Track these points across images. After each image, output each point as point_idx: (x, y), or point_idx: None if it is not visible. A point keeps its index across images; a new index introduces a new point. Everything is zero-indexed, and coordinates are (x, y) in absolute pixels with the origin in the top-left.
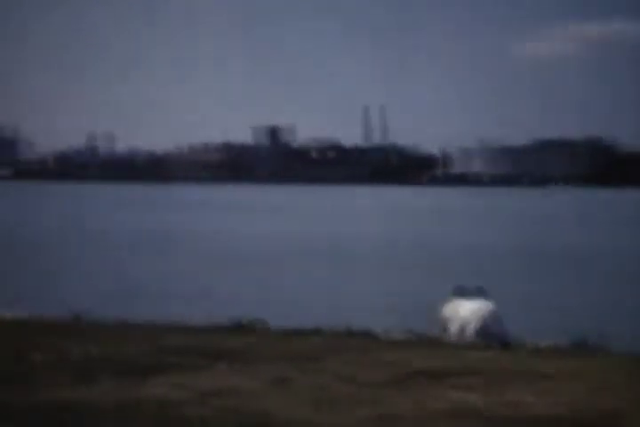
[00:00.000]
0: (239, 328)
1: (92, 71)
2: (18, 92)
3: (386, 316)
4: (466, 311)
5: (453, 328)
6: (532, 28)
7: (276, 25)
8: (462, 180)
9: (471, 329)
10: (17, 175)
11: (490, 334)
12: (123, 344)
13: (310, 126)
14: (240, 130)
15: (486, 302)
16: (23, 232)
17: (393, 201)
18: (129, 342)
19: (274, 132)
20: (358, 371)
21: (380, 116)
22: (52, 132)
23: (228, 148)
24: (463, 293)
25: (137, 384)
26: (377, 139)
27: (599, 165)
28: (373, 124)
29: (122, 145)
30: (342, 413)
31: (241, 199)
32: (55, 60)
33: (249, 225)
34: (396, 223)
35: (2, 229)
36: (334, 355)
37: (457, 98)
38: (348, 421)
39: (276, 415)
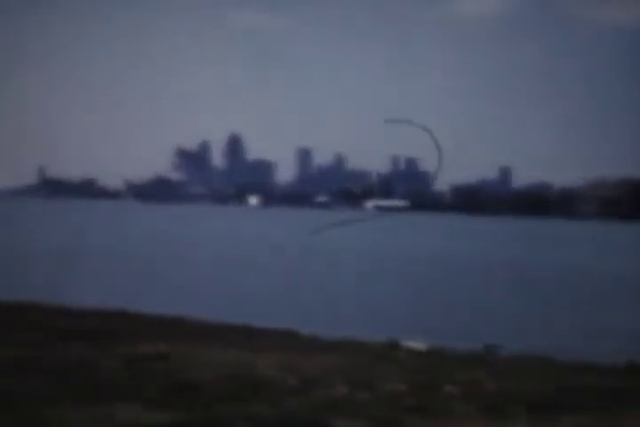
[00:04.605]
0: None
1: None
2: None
3: None
4: None
5: None
6: None
7: None
8: None
9: None
10: (413, 207)
11: None
12: (528, 379)
13: None
14: None
15: None
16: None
17: None
18: (533, 377)
19: None
20: None
21: None
22: (451, 165)
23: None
24: None
25: (548, 422)
26: None
27: None
28: None
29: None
30: None
31: None
32: None
33: None
34: None
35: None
36: None
37: None
38: None
39: None
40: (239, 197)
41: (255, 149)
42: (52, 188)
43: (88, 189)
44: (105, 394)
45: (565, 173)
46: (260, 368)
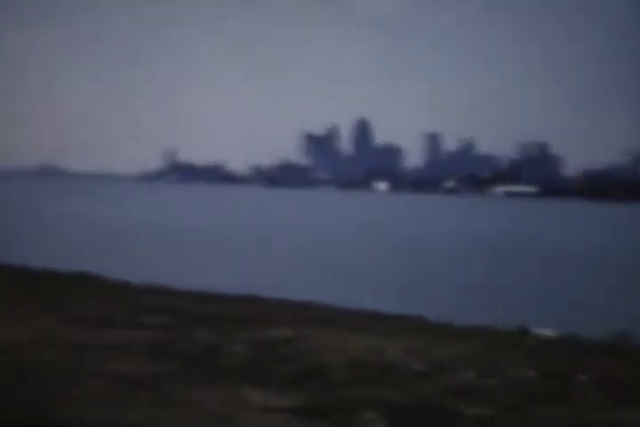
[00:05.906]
0: None
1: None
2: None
3: None
4: None
5: None
6: None
7: None
8: None
9: None
10: (543, 193)
11: None
12: None
13: None
14: None
15: None
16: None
17: None
18: None
19: None
20: None
21: None
22: (582, 150)
23: None
24: None
25: None
26: None
27: None
28: None
29: None
30: None
31: None
32: None
33: None
34: None
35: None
36: None
37: None
38: None
39: None
40: (367, 182)
41: (383, 135)
42: (181, 172)
43: (216, 174)
44: (233, 378)
45: None
46: (387, 353)
